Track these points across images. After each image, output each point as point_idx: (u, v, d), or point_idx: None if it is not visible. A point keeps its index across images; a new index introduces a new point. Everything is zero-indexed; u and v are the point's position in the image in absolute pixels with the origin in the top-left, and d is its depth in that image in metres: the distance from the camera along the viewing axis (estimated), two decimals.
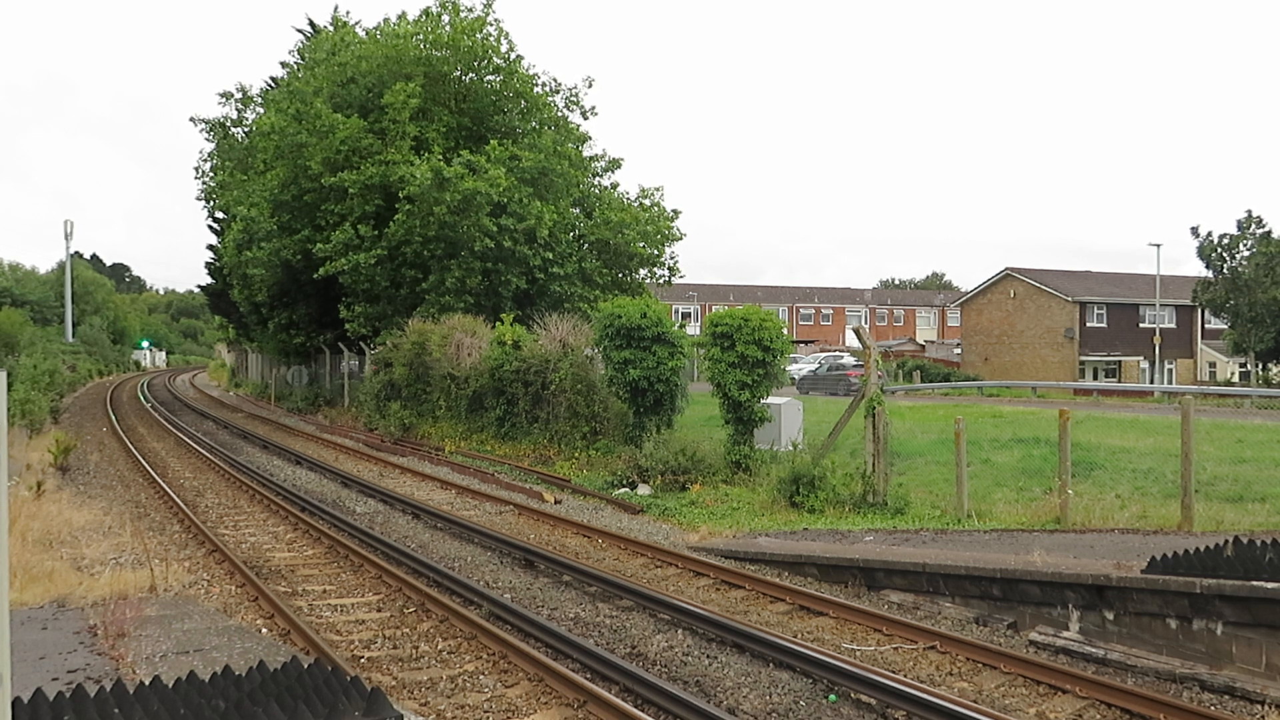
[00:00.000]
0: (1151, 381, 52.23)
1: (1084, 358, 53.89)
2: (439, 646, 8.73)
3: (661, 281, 33.78)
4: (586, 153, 33.90)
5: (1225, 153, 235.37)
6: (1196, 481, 12.00)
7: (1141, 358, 54.66)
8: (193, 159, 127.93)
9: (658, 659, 8.41)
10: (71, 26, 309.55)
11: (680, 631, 9.18)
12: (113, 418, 33.60)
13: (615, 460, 18.95)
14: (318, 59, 33.79)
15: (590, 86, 34.00)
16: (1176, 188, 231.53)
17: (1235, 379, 50.70)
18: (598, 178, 34.53)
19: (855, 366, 41.62)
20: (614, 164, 34.76)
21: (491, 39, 32.22)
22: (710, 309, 75.05)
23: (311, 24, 41.94)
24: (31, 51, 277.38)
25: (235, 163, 39.63)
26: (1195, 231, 46.42)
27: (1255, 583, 7.54)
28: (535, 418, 22.17)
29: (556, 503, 16.42)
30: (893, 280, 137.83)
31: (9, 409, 3.59)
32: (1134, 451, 17.89)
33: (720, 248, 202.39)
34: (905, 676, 7.71)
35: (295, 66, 38.73)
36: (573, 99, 33.82)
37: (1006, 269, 57.97)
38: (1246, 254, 44.90)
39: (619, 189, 34.37)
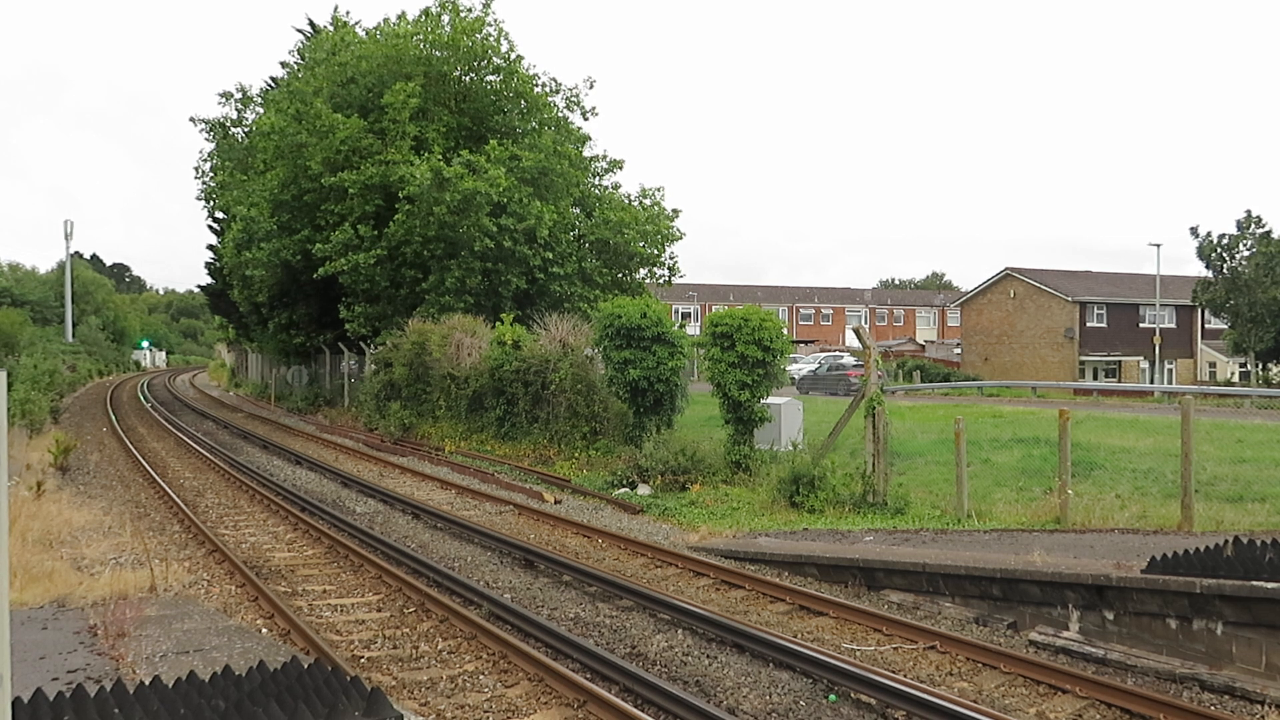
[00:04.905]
0: (1151, 381, 52.21)
1: (1084, 358, 53.89)
2: (439, 646, 8.73)
3: (661, 281, 33.80)
4: (587, 153, 33.94)
5: (1225, 153, 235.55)
6: (1196, 481, 12.00)
7: (1141, 358, 54.64)
8: (191, 157, 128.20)
9: (658, 659, 8.41)
10: (60, 17, 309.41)
11: (680, 631, 9.18)
12: (113, 418, 33.59)
13: (615, 460, 18.95)
14: (318, 59, 33.79)
15: (591, 87, 34.07)
16: (1176, 188, 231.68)
17: (1235, 379, 50.69)
18: (598, 178, 34.56)
19: (855, 366, 41.61)
20: (615, 164, 34.79)
21: (491, 39, 32.25)
22: (710, 309, 75.03)
23: (311, 24, 41.96)
24: (19, 42, 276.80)
25: (235, 163, 39.64)
26: (1195, 231, 46.42)
27: (1255, 583, 7.54)
28: (535, 418, 22.17)
29: (556, 503, 16.41)
30: (893, 280, 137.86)
31: (9, 409, 3.60)
32: (1134, 451, 17.89)
33: (724, 247, 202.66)
34: (905, 676, 7.72)
35: (295, 66, 38.73)
36: (573, 99, 33.85)
37: (1006, 269, 57.96)
38: (1246, 254, 44.90)
39: (620, 189, 34.46)
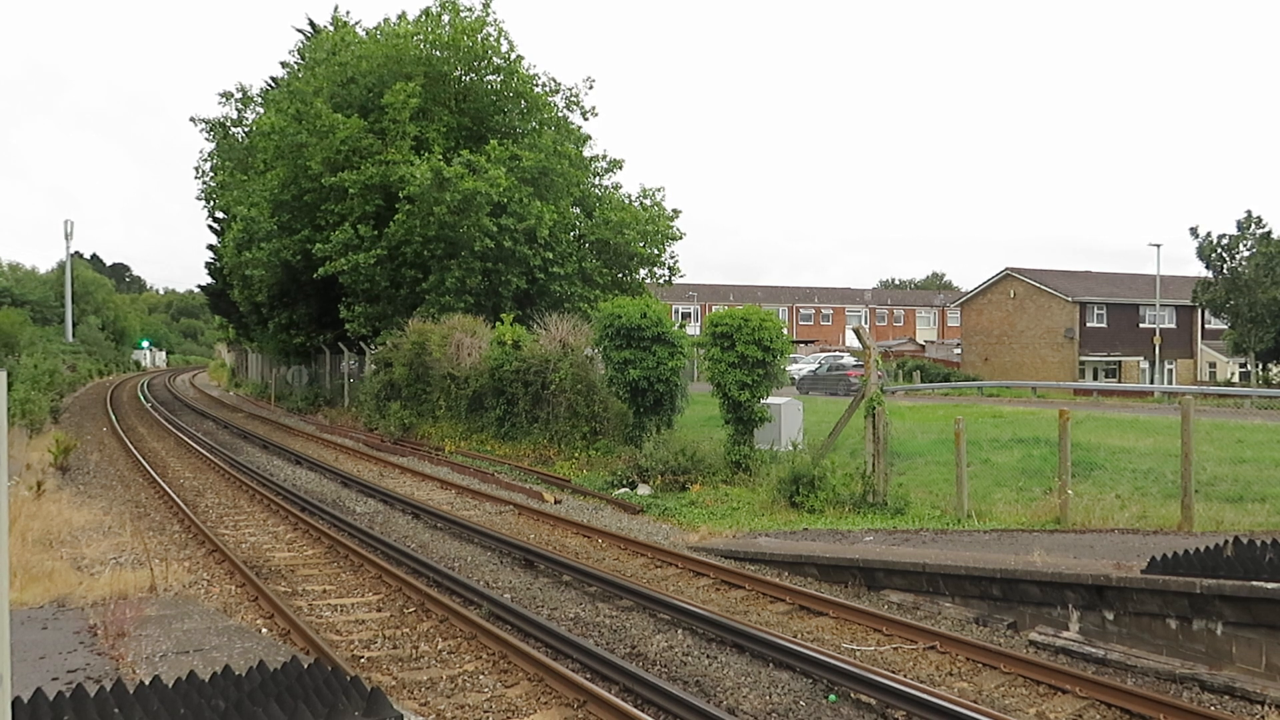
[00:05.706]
0: (1151, 381, 52.20)
1: (1084, 358, 53.88)
2: (439, 646, 8.73)
3: (661, 281, 33.81)
4: (587, 153, 33.97)
5: (1225, 153, 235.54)
6: (1196, 481, 12.00)
7: (1141, 358, 54.64)
8: (190, 157, 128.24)
9: (658, 659, 8.41)
10: (60, 17, 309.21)
11: (680, 631, 9.18)
12: (113, 417, 33.59)
13: (615, 460, 18.95)
14: (318, 59, 33.79)
15: (591, 88, 34.11)
16: (1176, 188, 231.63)
17: (1235, 379, 50.68)
18: (598, 178, 34.58)
19: (855, 366, 41.61)
20: (615, 164, 34.81)
21: (491, 39, 32.26)
22: (710, 309, 75.01)
23: (312, 24, 41.97)
24: (19, 42, 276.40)
25: (235, 163, 39.64)
26: (1195, 232, 46.45)
27: (1255, 583, 7.54)
28: (535, 418, 22.17)
29: (556, 503, 16.41)
30: (893, 280, 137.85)
31: (9, 409, 3.60)
32: (1134, 451, 17.88)
33: (724, 246, 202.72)
34: (905, 676, 7.72)
35: (295, 66, 38.74)
36: (573, 99, 33.87)
37: (1006, 269, 57.97)
38: (1246, 254, 44.93)
39: (620, 189, 34.48)
